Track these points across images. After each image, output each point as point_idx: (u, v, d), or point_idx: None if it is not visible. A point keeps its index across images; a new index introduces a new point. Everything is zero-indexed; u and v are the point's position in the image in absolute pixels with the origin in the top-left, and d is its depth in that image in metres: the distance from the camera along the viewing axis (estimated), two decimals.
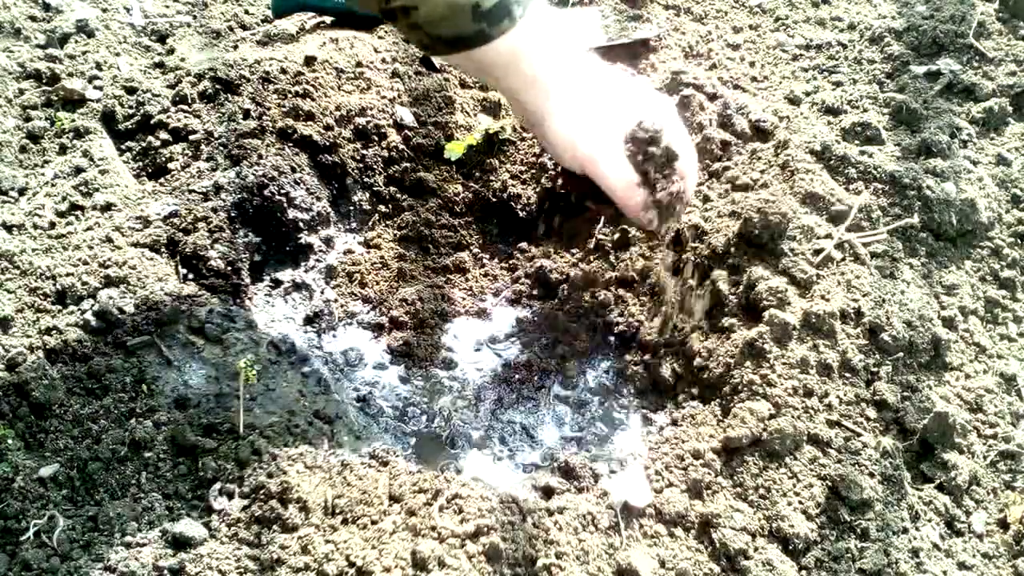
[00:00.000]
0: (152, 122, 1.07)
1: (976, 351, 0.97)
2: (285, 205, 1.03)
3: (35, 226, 0.95)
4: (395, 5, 0.76)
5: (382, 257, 1.04)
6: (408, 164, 1.10)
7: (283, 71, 1.13)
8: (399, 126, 1.13)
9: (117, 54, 1.17)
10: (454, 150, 1.09)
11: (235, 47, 1.24)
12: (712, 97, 1.19)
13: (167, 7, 1.30)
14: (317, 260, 1.05)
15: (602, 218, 1.07)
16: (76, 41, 1.17)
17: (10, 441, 0.74)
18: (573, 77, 0.87)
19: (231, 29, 1.30)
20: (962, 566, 0.79)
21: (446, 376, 0.98)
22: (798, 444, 0.79)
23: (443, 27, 0.78)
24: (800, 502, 0.78)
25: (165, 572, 0.66)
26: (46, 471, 0.72)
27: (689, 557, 0.73)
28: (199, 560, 0.67)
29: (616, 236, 1.05)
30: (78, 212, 0.97)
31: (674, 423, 0.86)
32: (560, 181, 1.04)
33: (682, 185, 0.89)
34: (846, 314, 0.91)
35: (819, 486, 0.79)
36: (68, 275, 0.89)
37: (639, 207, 0.88)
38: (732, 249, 0.93)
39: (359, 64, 1.17)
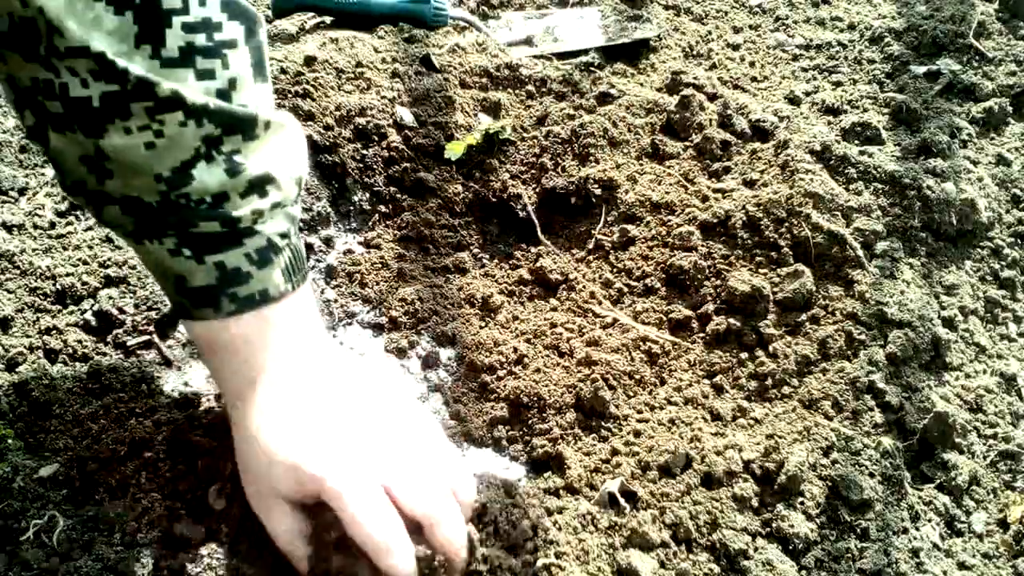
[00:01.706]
0: None
1: (976, 351, 0.97)
2: None
3: (35, 226, 0.95)
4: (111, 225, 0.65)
5: (382, 257, 1.04)
6: (408, 164, 1.10)
7: (283, 71, 1.13)
8: (399, 126, 1.13)
9: None
10: (454, 150, 1.09)
11: None
12: (712, 97, 1.19)
13: None
14: (317, 260, 1.05)
15: (602, 218, 1.07)
16: None
17: (10, 441, 0.74)
18: (278, 399, 0.66)
19: None
20: (962, 566, 0.79)
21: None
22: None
23: (162, 285, 0.68)
24: (800, 502, 0.78)
25: (165, 572, 0.66)
26: (46, 471, 0.72)
27: (689, 557, 0.73)
28: (199, 560, 0.67)
29: (616, 236, 1.05)
30: (78, 212, 0.97)
31: None
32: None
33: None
34: (847, 315, 0.91)
35: (819, 486, 0.79)
36: (68, 275, 0.89)
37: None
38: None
39: (359, 64, 1.17)
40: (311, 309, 0.71)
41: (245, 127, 0.63)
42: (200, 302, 0.65)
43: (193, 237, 0.63)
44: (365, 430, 0.65)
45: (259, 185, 0.65)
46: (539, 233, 1.07)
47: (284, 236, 0.67)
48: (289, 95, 1.11)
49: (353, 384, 0.69)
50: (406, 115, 1.13)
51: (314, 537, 0.65)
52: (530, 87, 1.23)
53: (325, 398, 0.67)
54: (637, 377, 0.90)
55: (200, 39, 0.60)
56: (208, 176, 0.62)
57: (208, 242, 0.63)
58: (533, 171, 1.12)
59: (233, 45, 0.62)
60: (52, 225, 0.95)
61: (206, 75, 0.61)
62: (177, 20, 0.59)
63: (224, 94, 0.62)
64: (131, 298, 0.88)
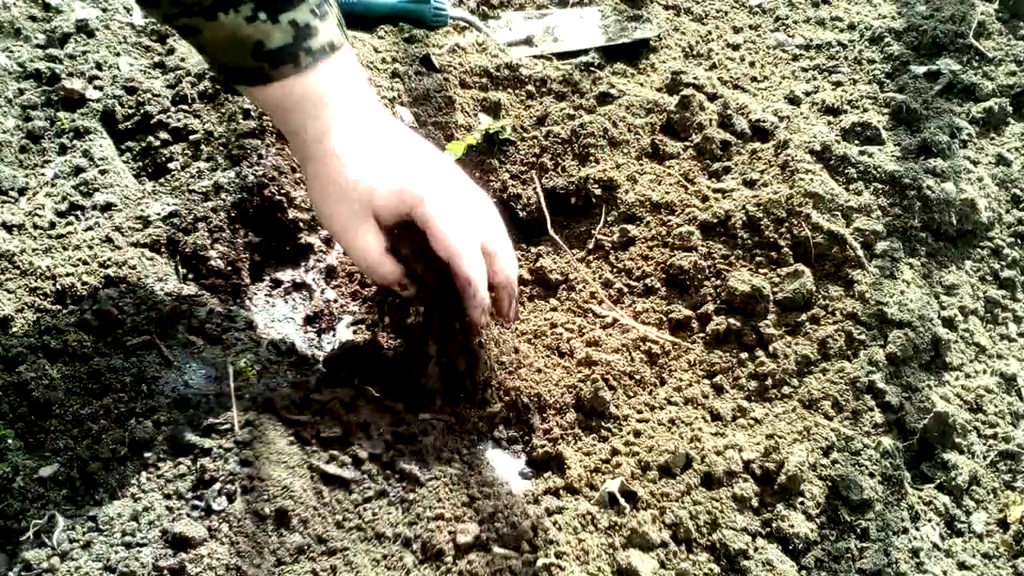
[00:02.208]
0: (152, 122, 1.07)
1: (976, 351, 0.97)
2: (285, 205, 1.03)
3: (35, 226, 0.95)
4: (179, 24, 0.72)
5: None
6: None
7: None
8: None
9: (117, 54, 1.17)
10: (454, 150, 1.09)
11: None
12: (712, 97, 1.19)
13: None
14: (317, 260, 1.05)
15: (602, 218, 1.07)
16: (76, 41, 1.16)
17: (10, 441, 0.74)
18: (358, 134, 0.77)
19: None
20: (962, 566, 0.79)
21: None
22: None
23: (223, 57, 0.75)
24: (800, 502, 0.78)
25: (165, 572, 0.66)
26: (46, 471, 0.72)
27: (689, 557, 0.73)
28: (199, 560, 0.67)
29: (616, 236, 1.05)
30: (78, 212, 0.97)
31: None
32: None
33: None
34: (847, 315, 0.91)
35: (819, 486, 0.79)
36: (68, 275, 0.89)
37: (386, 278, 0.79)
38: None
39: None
40: (356, 61, 0.80)
41: None
42: (280, 61, 0.72)
43: (266, 1, 0.70)
44: (443, 169, 0.79)
45: None
46: (548, 228, 1.07)
47: None
48: None
49: (406, 133, 0.82)
50: (406, 115, 1.13)
51: (398, 252, 0.77)
52: (530, 87, 1.23)
53: (402, 135, 0.80)
54: (637, 377, 0.90)
55: None
56: None
57: (280, 2, 0.71)
58: (533, 171, 1.12)
59: None
60: (52, 225, 0.95)
61: None
62: None
63: None
64: (131, 298, 0.88)
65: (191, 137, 1.06)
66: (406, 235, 0.78)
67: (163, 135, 1.06)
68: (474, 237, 0.77)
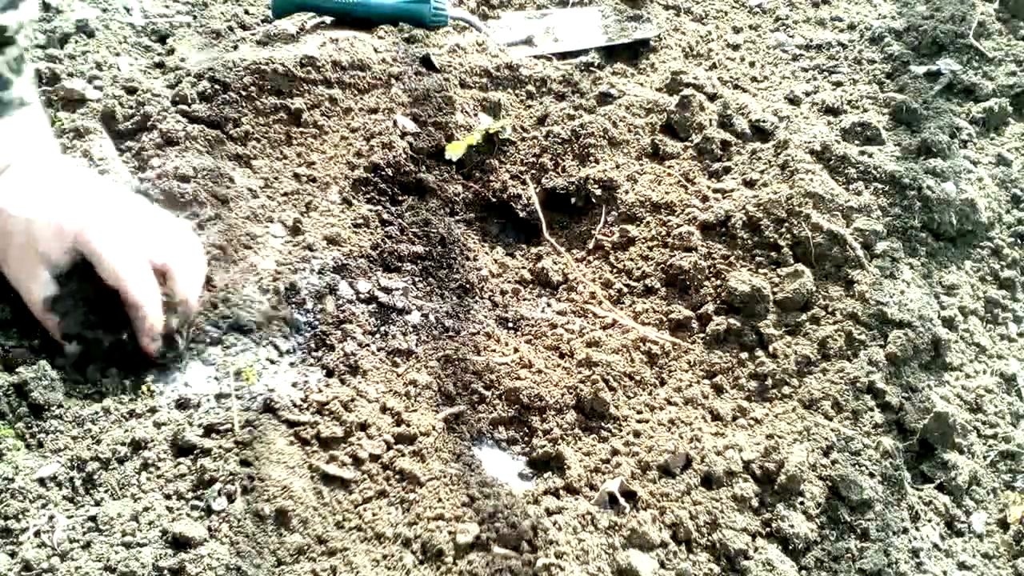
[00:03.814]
0: (152, 122, 1.07)
1: (976, 351, 0.97)
2: None
3: None
4: None
5: None
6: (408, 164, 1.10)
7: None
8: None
9: (117, 54, 1.17)
10: (454, 150, 1.09)
11: (235, 47, 1.24)
12: (712, 97, 1.19)
13: (167, 7, 1.30)
14: None
15: (602, 218, 1.07)
16: (76, 41, 1.16)
17: (10, 441, 0.74)
18: (27, 182, 0.75)
19: (231, 29, 1.30)
20: (962, 566, 0.79)
21: None
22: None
23: None
24: (800, 502, 0.78)
25: (165, 572, 0.66)
26: (46, 471, 0.72)
27: (689, 557, 0.73)
28: (199, 560, 0.67)
29: (616, 236, 1.05)
30: None
31: None
32: None
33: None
34: (847, 315, 0.91)
35: (819, 486, 0.79)
36: None
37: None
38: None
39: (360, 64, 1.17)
40: (44, 118, 0.80)
41: None
42: None
43: None
44: (111, 199, 0.77)
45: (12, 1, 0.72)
46: (544, 232, 1.07)
47: (26, 49, 0.75)
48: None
49: (91, 178, 0.81)
50: (408, 125, 1.13)
51: (67, 301, 0.74)
52: (530, 87, 1.23)
53: (77, 178, 0.77)
54: (637, 378, 0.90)
55: None
56: None
57: None
58: (533, 171, 1.12)
59: None
60: None
61: None
62: None
63: None
64: None
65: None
66: (82, 280, 0.75)
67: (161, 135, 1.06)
68: (141, 258, 0.74)
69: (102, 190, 0.78)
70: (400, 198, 1.06)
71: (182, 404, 0.80)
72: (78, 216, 0.72)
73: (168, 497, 0.72)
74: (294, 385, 0.83)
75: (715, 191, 1.06)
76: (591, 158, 1.11)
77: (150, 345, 0.76)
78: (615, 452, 0.83)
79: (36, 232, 0.71)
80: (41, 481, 0.71)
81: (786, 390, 0.88)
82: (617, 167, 1.10)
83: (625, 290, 1.00)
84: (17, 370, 0.77)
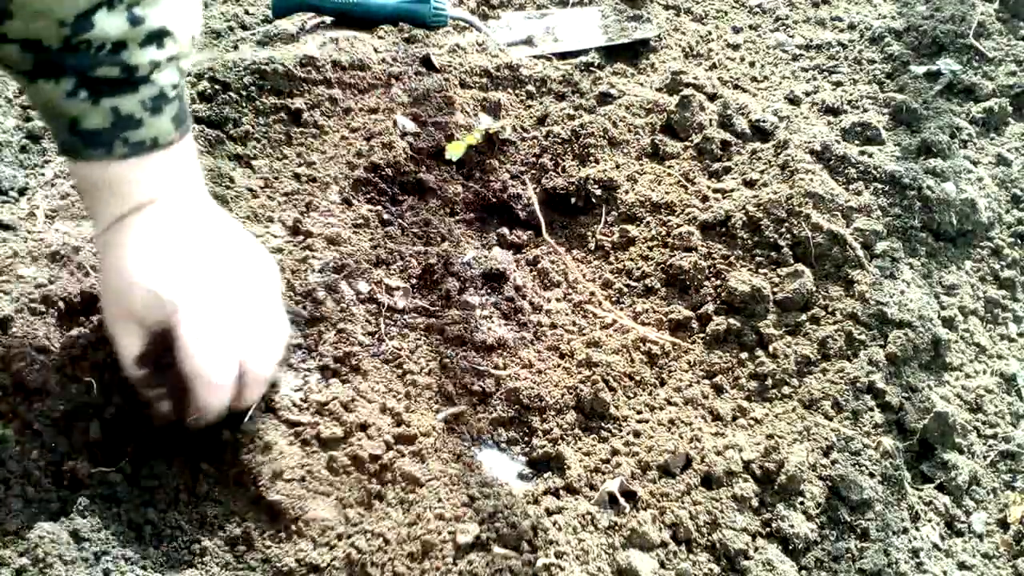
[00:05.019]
0: None
1: (976, 351, 0.97)
2: None
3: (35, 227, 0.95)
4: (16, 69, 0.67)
5: None
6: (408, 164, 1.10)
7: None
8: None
9: None
10: (454, 150, 1.09)
11: (235, 47, 1.24)
12: (712, 97, 1.19)
13: None
14: None
15: (602, 218, 1.07)
16: None
17: (10, 441, 0.74)
18: (147, 233, 0.72)
19: (231, 29, 1.30)
20: (962, 566, 0.79)
21: None
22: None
23: (44, 118, 0.74)
24: (800, 502, 0.78)
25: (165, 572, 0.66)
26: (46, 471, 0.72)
27: (689, 557, 0.73)
28: (200, 561, 0.67)
29: (616, 236, 1.05)
30: None
31: None
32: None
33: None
34: (847, 315, 0.91)
35: (819, 486, 0.79)
36: None
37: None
38: None
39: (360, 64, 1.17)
40: (192, 159, 0.76)
41: None
42: (93, 143, 0.68)
43: (91, 81, 0.66)
44: (221, 275, 0.72)
45: (158, 37, 0.68)
46: (544, 232, 1.07)
47: (175, 87, 0.71)
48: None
49: (220, 236, 0.76)
50: (408, 125, 1.13)
51: (149, 361, 0.71)
52: (530, 87, 1.23)
53: (193, 240, 0.73)
54: (637, 378, 0.90)
55: None
56: (109, 24, 0.65)
57: (105, 86, 0.67)
58: (533, 171, 1.12)
59: None
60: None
61: None
62: None
63: None
64: None
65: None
66: (164, 348, 0.71)
67: None
68: (226, 362, 0.70)
69: (219, 252, 0.74)
70: (400, 198, 1.06)
71: None
72: (176, 289, 0.69)
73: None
74: (294, 386, 0.83)
75: (715, 191, 1.06)
76: (591, 158, 1.11)
77: (188, 420, 0.72)
78: (615, 452, 0.83)
79: (134, 294, 0.70)
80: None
81: (786, 390, 0.88)
82: (617, 167, 1.10)
83: (625, 290, 1.00)
84: (16, 370, 0.77)
